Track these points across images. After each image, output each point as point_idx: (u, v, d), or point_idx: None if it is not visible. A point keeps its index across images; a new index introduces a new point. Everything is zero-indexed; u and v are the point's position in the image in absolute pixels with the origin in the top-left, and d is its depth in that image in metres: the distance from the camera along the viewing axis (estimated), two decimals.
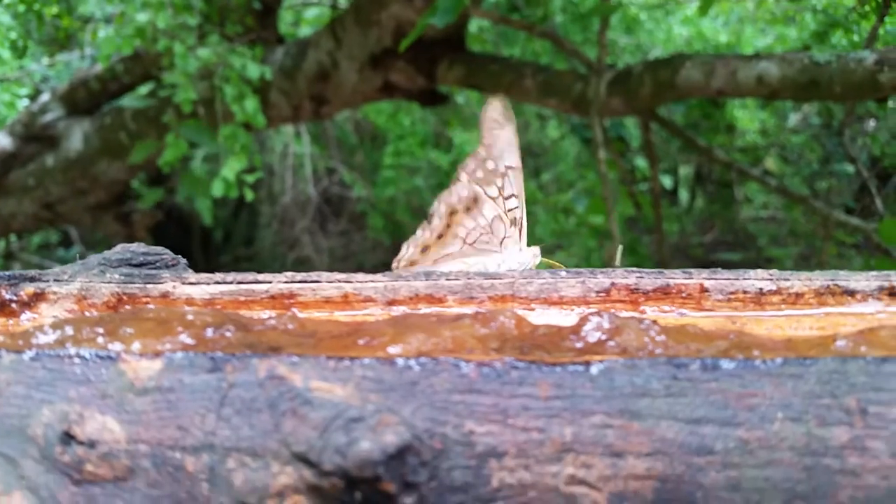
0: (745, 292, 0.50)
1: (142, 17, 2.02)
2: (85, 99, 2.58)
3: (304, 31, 3.18)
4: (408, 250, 0.69)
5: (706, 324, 0.48)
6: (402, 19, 2.14)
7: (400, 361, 0.37)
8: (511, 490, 0.36)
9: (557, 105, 2.26)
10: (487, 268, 0.67)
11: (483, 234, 0.67)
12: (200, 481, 0.35)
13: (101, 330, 0.40)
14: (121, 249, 0.49)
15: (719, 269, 0.51)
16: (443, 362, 0.37)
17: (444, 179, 3.60)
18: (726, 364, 0.38)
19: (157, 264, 0.48)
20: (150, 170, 2.73)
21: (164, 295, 0.47)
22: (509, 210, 0.66)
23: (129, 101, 2.49)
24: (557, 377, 0.38)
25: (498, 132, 0.66)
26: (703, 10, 2.19)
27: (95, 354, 0.38)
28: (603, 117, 2.14)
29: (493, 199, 0.66)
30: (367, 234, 4.13)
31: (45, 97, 2.61)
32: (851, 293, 0.50)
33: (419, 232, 0.68)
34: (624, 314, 0.46)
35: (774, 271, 0.51)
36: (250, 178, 2.06)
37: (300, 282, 0.49)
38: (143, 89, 2.47)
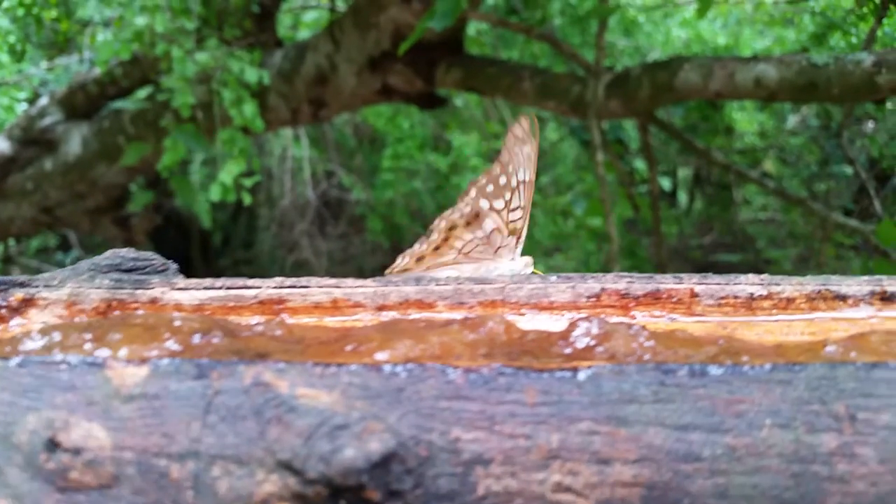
0: (735, 297, 0.49)
1: (140, 21, 2.02)
2: (83, 103, 2.58)
3: (303, 34, 3.19)
4: (403, 260, 0.69)
5: (696, 329, 0.47)
6: (400, 22, 2.14)
7: (387, 368, 0.37)
8: (497, 498, 0.36)
9: (555, 107, 2.26)
10: (478, 273, 0.67)
11: (479, 245, 0.67)
12: (185, 489, 0.35)
13: (88, 336, 0.40)
14: (110, 255, 0.49)
15: (710, 274, 0.51)
16: (430, 368, 0.37)
17: (442, 182, 3.60)
18: (714, 370, 0.38)
19: (147, 270, 0.48)
20: (148, 173, 2.73)
21: (153, 300, 0.47)
22: (511, 221, 0.66)
23: (122, 103, 2.49)
24: (545, 383, 0.37)
25: (518, 149, 0.66)
26: (701, 12, 2.19)
27: (82, 361, 0.37)
28: (601, 120, 2.14)
29: (498, 211, 0.66)
30: (366, 237, 4.13)
31: (43, 101, 2.61)
32: (843, 298, 0.50)
33: (417, 245, 0.68)
34: (614, 319, 0.45)
35: (765, 276, 0.51)
36: (248, 182, 2.05)
37: (290, 287, 0.48)
38: (142, 93, 2.47)
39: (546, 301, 0.49)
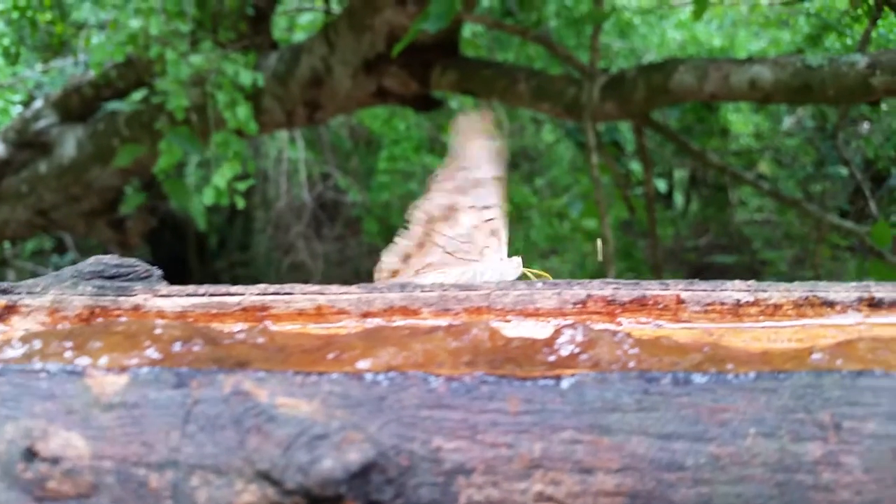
0: (722, 304, 0.49)
1: (134, 24, 2.01)
2: (78, 105, 2.57)
3: (299, 36, 3.18)
4: (389, 259, 0.68)
5: (682, 336, 0.47)
6: (395, 24, 2.13)
7: (368, 376, 0.37)
8: None
9: (550, 109, 2.25)
10: (469, 279, 0.66)
11: (463, 244, 0.67)
12: (164, 498, 0.35)
13: (69, 344, 0.39)
14: (94, 261, 0.49)
15: (696, 280, 0.50)
16: (412, 377, 0.37)
17: None
18: (698, 378, 0.38)
19: (130, 276, 0.48)
20: (143, 176, 2.72)
21: (136, 308, 0.47)
22: (486, 220, 0.66)
23: (117, 105, 2.49)
24: (528, 392, 0.37)
25: (471, 143, 0.65)
26: (696, 14, 2.19)
27: (62, 369, 0.37)
28: (596, 122, 2.14)
29: (470, 208, 0.66)
30: (362, 239, 4.12)
31: (38, 104, 2.61)
32: (831, 304, 0.49)
33: (397, 239, 0.67)
34: (599, 326, 0.45)
35: (752, 282, 0.50)
36: (242, 186, 2.05)
37: (273, 294, 0.48)
38: (137, 96, 2.46)
39: (532, 307, 0.49)
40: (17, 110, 2.69)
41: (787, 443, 0.37)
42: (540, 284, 0.50)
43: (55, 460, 0.35)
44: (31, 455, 0.35)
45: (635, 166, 3.19)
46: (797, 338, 0.48)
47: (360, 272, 4.21)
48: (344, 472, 0.33)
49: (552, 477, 0.36)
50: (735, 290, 0.49)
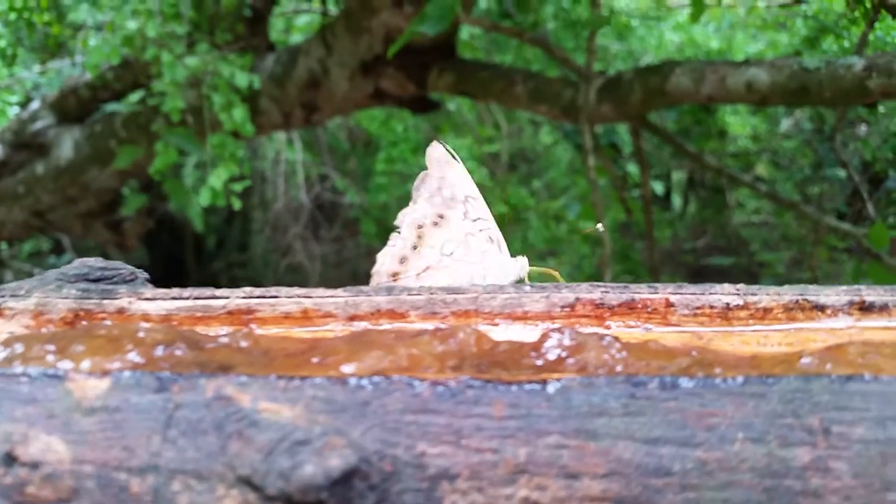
0: (711, 307, 0.49)
1: (131, 26, 2.01)
2: (75, 107, 2.57)
3: (296, 38, 3.18)
4: (384, 262, 0.68)
5: (671, 339, 0.47)
6: (392, 26, 2.13)
7: (352, 381, 0.36)
8: None
9: (548, 112, 2.25)
10: (474, 279, 0.66)
11: (459, 247, 0.67)
12: (145, 503, 0.35)
13: (51, 347, 0.39)
14: (78, 264, 0.48)
15: (685, 284, 0.50)
16: (396, 381, 0.36)
17: None
18: (685, 382, 0.37)
19: (115, 279, 0.48)
20: (140, 177, 2.72)
21: (121, 311, 0.47)
22: (480, 230, 0.66)
23: (117, 107, 2.48)
24: (513, 396, 0.37)
25: (447, 168, 0.66)
26: (693, 17, 2.19)
27: (43, 373, 0.37)
28: (593, 124, 2.14)
29: (461, 220, 0.66)
30: (360, 241, 4.12)
31: (35, 105, 2.61)
32: (821, 308, 0.49)
33: (391, 242, 0.67)
34: (588, 330, 0.45)
35: (742, 286, 0.50)
36: (238, 187, 2.05)
37: (258, 297, 0.48)
38: (134, 97, 2.46)
39: (520, 311, 0.48)
40: (14, 111, 2.68)
41: (775, 448, 0.37)
42: (528, 287, 0.50)
43: (35, 465, 0.35)
44: (10, 460, 0.35)
45: (633, 168, 3.19)
46: (787, 342, 0.47)
47: (357, 273, 4.20)
48: (325, 478, 0.33)
49: (538, 482, 0.36)
50: (724, 294, 0.49)
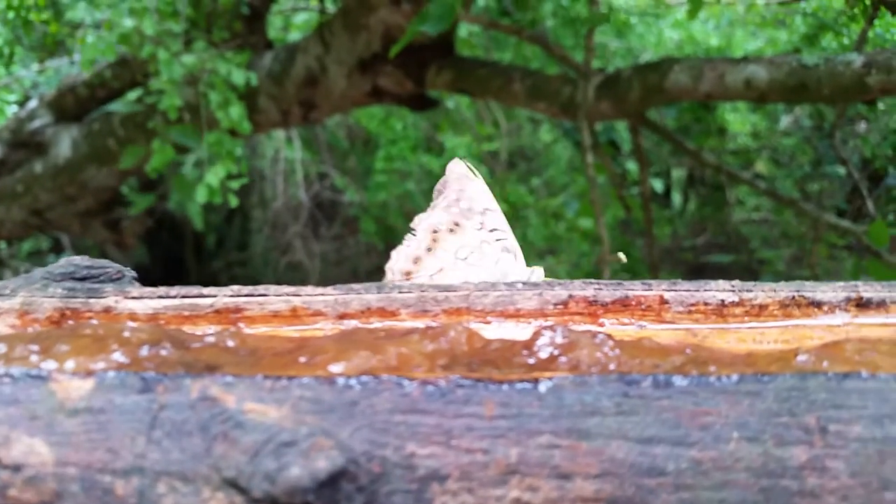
0: (706, 304, 0.48)
1: (128, 23, 2.01)
2: (73, 105, 2.57)
3: (294, 35, 3.17)
4: (398, 260, 0.67)
5: (665, 337, 0.46)
6: (390, 24, 2.13)
7: (340, 381, 0.36)
8: None
9: (546, 109, 2.25)
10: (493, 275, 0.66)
11: (473, 253, 0.67)
12: None
13: (35, 347, 0.38)
14: (64, 263, 0.48)
15: (679, 280, 0.49)
16: (385, 381, 0.36)
17: (435, 184, 3.58)
18: (679, 381, 0.37)
19: (101, 278, 0.47)
20: (139, 176, 2.71)
21: (107, 310, 0.46)
22: (497, 240, 0.66)
23: (115, 106, 2.48)
24: (504, 395, 0.36)
25: (467, 182, 0.66)
26: (691, 14, 2.18)
27: (26, 374, 0.36)
28: (591, 121, 2.13)
29: (477, 230, 0.66)
30: (359, 239, 4.11)
31: (32, 104, 2.60)
32: (818, 304, 0.48)
33: (406, 242, 0.67)
34: (581, 328, 0.44)
35: (737, 282, 0.49)
36: (235, 184, 2.04)
37: (247, 296, 0.47)
38: (132, 95, 2.45)
39: (512, 308, 0.48)
40: (12, 110, 2.68)
41: (771, 447, 0.36)
42: (520, 285, 0.49)
43: (17, 468, 0.34)
44: None
45: (632, 166, 3.18)
46: (783, 339, 0.47)
47: (357, 271, 4.20)
48: (311, 480, 0.32)
49: (529, 483, 0.35)
50: (719, 291, 0.48)
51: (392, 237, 3.83)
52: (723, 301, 0.48)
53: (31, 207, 2.66)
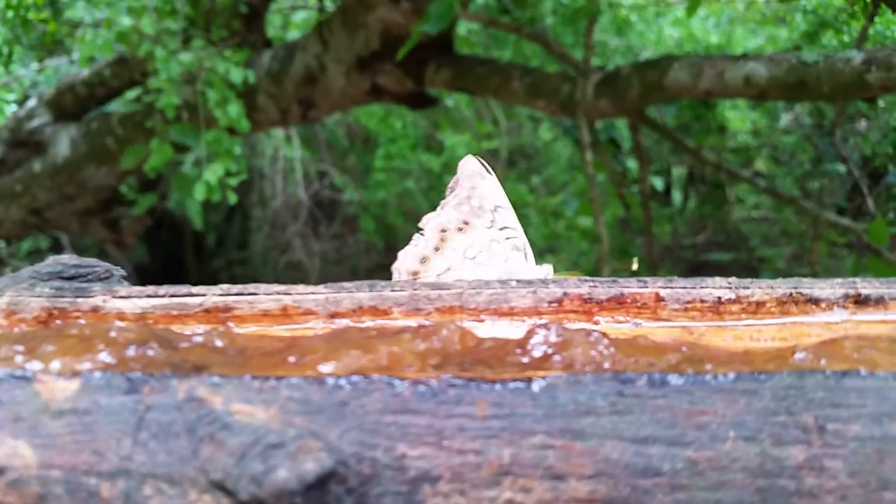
0: (702, 301, 0.48)
1: (126, 22, 2.00)
2: (72, 104, 2.56)
3: (293, 34, 3.17)
4: (405, 260, 0.67)
5: (661, 335, 0.46)
6: (389, 22, 2.12)
7: (330, 381, 0.35)
8: None
9: (545, 107, 2.24)
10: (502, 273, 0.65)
11: (482, 252, 0.66)
12: None
13: (20, 348, 0.38)
14: (52, 262, 0.47)
15: (675, 278, 0.49)
16: (375, 381, 0.35)
17: (435, 182, 3.58)
18: (675, 379, 0.36)
19: (89, 277, 0.46)
20: (139, 175, 2.71)
21: (95, 309, 0.45)
22: (507, 239, 0.65)
23: (115, 106, 2.48)
24: (497, 395, 0.36)
25: (479, 180, 0.65)
26: (690, 11, 2.18)
27: (10, 374, 0.36)
28: (592, 119, 2.13)
29: (487, 228, 0.65)
30: (359, 238, 4.11)
31: (31, 103, 2.60)
32: (816, 301, 0.48)
33: (413, 242, 0.66)
34: (575, 326, 0.44)
35: (733, 279, 0.49)
36: (233, 182, 2.03)
37: (236, 294, 0.46)
38: (131, 94, 2.45)
39: (506, 307, 0.47)
40: (11, 109, 2.67)
41: (768, 446, 0.36)
42: (514, 283, 0.48)
43: (0, 471, 0.34)
44: None
45: (632, 164, 3.18)
46: (780, 336, 0.46)
47: (357, 270, 4.19)
48: (299, 482, 0.32)
49: (522, 484, 0.34)
50: (716, 288, 0.48)
51: (392, 236, 3.83)
52: (719, 298, 0.48)
53: (29, 207, 2.66)
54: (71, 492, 0.34)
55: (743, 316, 0.47)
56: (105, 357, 0.37)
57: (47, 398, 0.35)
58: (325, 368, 0.37)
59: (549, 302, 0.47)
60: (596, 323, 0.47)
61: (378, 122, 3.54)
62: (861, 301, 0.48)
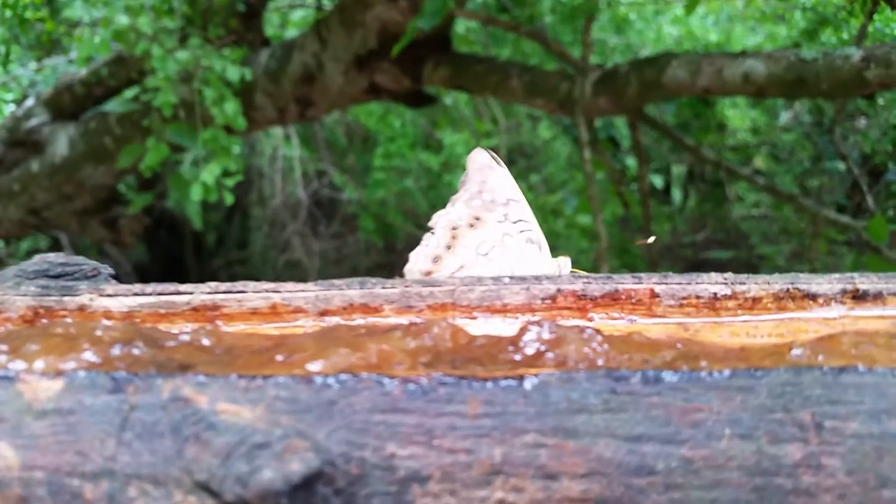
0: (698, 297, 0.47)
1: (123, 20, 2.00)
2: (70, 104, 2.56)
3: (291, 33, 3.17)
4: (417, 261, 0.66)
5: (656, 332, 0.45)
6: (386, 20, 2.12)
7: (318, 379, 0.34)
8: None
9: (544, 105, 2.24)
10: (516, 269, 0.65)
11: (494, 248, 0.65)
12: None
13: (4, 347, 0.37)
14: (38, 260, 0.46)
15: (670, 273, 0.48)
16: (364, 379, 0.35)
17: (434, 181, 3.58)
18: (669, 376, 0.36)
19: (76, 275, 0.46)
20: (137, 174, 2.71)
21: (81, 308, 0.45)
22: (521, 232, 0.64)
23: (112, 106, 2.47)
24: (488, 393, 0.35)
25: (489, 173, 0.64)
26: (688, 9, 2.18)
27: None
28: (590, 117, 2.12)
29: (499, 222, 0.64)
30: (359, 237, 4.10)
31: (29, 102, 2.59)
32: (813, 297, 0.47)
33: (424, 242, 0.65)
34: (568, 323, 0.43)
35: (729, 275, 0.48)
36: (230, 181, 2.03)
37: (225, 292, 0.46)
38: (129, 93, 2.45)
39: (499, 304, 0.47)
40: (9, 109, 2.67)
41: (764, 444, 0.35)
42: (507, 279, 0.48)
43: None
44: None
45: (632, 162, 3.17)
46: (777, 332, 0.46)
47: (357, 269, 4.19)
48: (285, 483, 0.31)
49: (514, 483, 0.34)
50: (711, 284, 0.47)
51: (391, 235, 3.83)
52: (715, 294, 0.47)
53: (28, 206, 2.65)
54: (54, 493, 0.33)
55: (739, 312, 0.47)
56: (90, 356, 0.36)
57: (30, 398, 0.34)
58: (314, 367, 0.36)
59: (543, 299, 0.47)
60: (590, 320, 0.47)
61: (377, 121, 3.53)
62: (859, 296, 0.47)
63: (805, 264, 2.71)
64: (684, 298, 0.47)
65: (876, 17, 1.81)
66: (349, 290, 0.46)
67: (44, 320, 0.44)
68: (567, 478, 0.34)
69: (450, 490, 0.34)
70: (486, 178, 0.65)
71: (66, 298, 0.45)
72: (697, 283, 0.47)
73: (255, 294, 0.46)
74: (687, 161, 3.58)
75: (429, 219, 0.67)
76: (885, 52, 1.57)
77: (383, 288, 0.47)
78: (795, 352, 0.39)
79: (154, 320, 0.45)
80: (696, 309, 0.47)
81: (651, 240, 0.88)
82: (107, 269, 0.47)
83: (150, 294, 0.45)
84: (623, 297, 0.47)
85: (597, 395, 0.35)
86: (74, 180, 2.57)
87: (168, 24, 2.01)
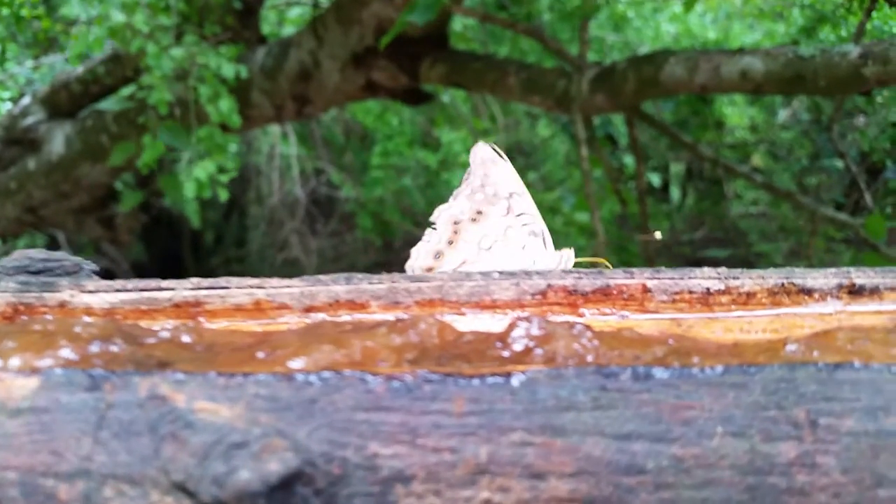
0: (690, 292, 0.46)
1: (118, 17, 1.99)
2: (66, 101, 2.56)
3: (288, 30, 3.16)
4: (418, 257, 0.65)
5: (647, 327, 0.44)
6: (383, 17, 2.11)
7: (299, 377, 0.34)
8: None
9: (541, 102, 2.23)
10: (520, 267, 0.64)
11: (497, 242, 0.64)
12: None
13: None
14: (18, 256, 0.45)
15: (663, 268, 0.47)
16: (347, 377, 0.34)
17: (432, 178, 3.57)
18: (660, 373, 0.35)
19: (57, 271, 0.45)
20: (135, 172, 2.70)
21: (62, 304, 0.44)
22: (524, 225, 0.63)
23: (108, 104, 2.47)
24: (475, 391, 0.34)
25: (492, 166, 0.63)
26: (687, 7, 2.17)
27: None
28: (587, 115, 2.11)
29: (502, 216, 0.64)
30: (356, 235, 4.10)
31: (26, 100, 2.59)
32: (808, 292, 0.46)
33: (426, 237, 0.65)
34: (558, 319, 0.42)
35: (723, 269, 0.47)
36: (223, 178, 2.02)
37: (207, 288, 0.45)
38: (125, 91, 2.44)
39: (488, 299, 0.46)
40: (6, 107, 2.66)
41: (757, 442, 0.34)
42: (496, 274, 0.47)
43: None
44: None
45: (629, 160, 3.17)
46: (772, 328, 0.45)
47: (355, 267, 4.17)
48: (262, 484, 0.30)
49: (500, 483, 0.33)
50: (704, 278, 0.46)
51: (389, 233, 3.82)
52: (708, 289, 0.46)
53: (24, 204, 2.65)
54: (27, 494, 0.32)
55: (733, 307, 0.46)
56: (67, 353, 0.35)
57: (4, 397, 0.33)
58: (295, 364, 0.35)
59: (533, 294, 0.46)
60: (581, 315, 0.46)
61: (375, 119, 3.53)
62: (855, 291, 0.46)
63: (803, 261, 2.71)
64: (677, 293, 0.46)
65: (874, 14, 1.80)
66: (335, 286, 0.45)
67: (23, 317, 0.43)
68: (555, 477, 0.33)
69: (434, 490, 0.33)
70: (489, 172, 0.65)
71: (46, 295, 0.44)
72: (690, 278, 0.46)
73: (239, 290, 0.45)
74: (685, 159, 3.58)
75: (427, 217, 0.66)
76: (883, 48, 1.56)
77: (370, 283, 0.46)
78: (790, 348, 0.38)
79: (136, 317, 0.44)
80: (689, 304, 0.46)
81: (657, 235, 0.87)
82: (89, 266, 0.46)
83: (131, 290, 0.44)
84: (614, 292, 0.46)
85: (586, 392, 0.34)
86: (71, 178, 2.57)
87: (164, 22, 2.00)
